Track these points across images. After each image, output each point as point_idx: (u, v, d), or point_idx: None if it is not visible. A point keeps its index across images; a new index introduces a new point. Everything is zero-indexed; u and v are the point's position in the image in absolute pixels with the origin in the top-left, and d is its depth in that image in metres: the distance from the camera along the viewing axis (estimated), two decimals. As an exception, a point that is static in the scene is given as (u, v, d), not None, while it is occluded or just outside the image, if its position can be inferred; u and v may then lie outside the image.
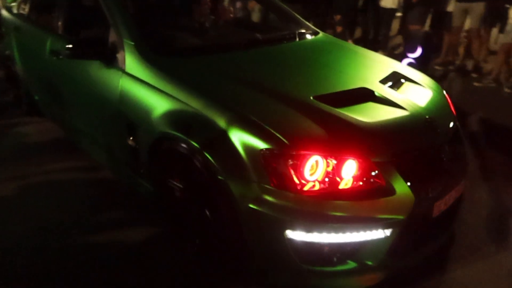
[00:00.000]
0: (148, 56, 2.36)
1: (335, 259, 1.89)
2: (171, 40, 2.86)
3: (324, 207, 1.78)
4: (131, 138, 2.39)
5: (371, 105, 2.12)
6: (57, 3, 3.20)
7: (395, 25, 7.44)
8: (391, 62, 2.85)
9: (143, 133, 2.28)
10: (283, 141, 1.80)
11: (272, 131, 1.83)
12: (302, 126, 1.90)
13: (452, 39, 6.20)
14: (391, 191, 1.82)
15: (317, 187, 1.81)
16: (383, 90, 2.25)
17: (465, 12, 5.75)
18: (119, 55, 2.44)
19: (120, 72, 2.40)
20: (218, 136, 1.91)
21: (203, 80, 2.24)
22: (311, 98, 2.08)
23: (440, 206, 2.02)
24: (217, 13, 3.58)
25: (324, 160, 1.81)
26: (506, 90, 5.37)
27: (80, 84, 2.78)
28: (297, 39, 2.98)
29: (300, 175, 1.79)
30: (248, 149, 1.83)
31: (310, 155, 1.78)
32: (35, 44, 3.39)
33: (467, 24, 6.03)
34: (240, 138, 1.85)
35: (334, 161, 1.81)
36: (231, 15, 3.76)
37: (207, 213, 2.08)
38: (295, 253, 1.84)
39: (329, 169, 1.82)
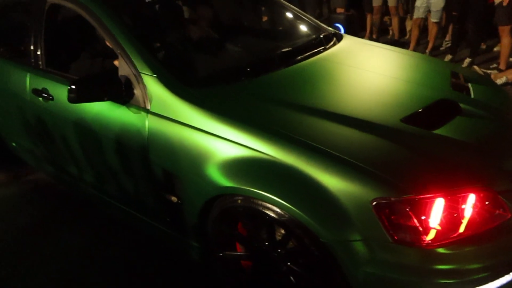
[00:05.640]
0: (179, 91, 1.91)
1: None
2: (195, 66, 2.35)
3: (458, 258, 1.46)
4: (170, 193, 1.95)
5: (461, 120, 1.83)
6: (30, 29, 2.56)
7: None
8: (431, 58, 2.67)
9: (191, 188, 1.85)
10: (399, 185, 1.46)
11: (381, 174, 1.48)
12: (411, 162, 1.57)
13: (374, 19, 6.46)
14: None
15: (439, 233, 1.47)
16: (462, 99, 2.01)
17: None
18: (136, 92, 1.97)
19: (143, 113, 1.94)
20: (310, 189, 1.53)
21: (262, 116, 1.81)
22: (400, 122, 1.74)
23: None
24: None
25: (445, 200, 1.47)
26: None
27: (84, 127, 2.26)
28: (327, 47, 2.51)
29: (425, 224, 1.45)
30: (352, 200, 1.47)
31: (435, 197, 1.45)
32: (9, 83, 2.74)
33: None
34: (339, 188, 1.48)
35: (455, 198, 1.49)
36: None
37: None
38: None
39: (451, 209, 1.49)
